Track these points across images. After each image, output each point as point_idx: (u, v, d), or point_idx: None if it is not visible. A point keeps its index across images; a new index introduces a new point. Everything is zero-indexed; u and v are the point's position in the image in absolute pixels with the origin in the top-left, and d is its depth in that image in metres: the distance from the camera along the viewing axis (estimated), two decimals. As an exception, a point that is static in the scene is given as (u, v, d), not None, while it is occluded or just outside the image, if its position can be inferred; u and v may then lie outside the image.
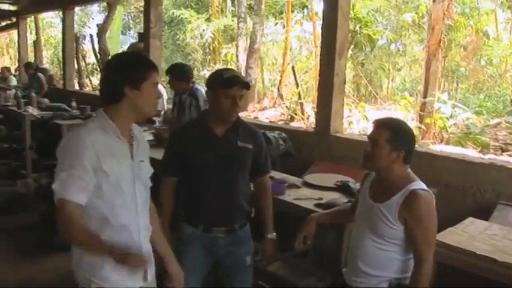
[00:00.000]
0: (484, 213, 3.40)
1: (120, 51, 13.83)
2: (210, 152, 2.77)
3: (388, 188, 2.36)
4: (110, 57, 2.34)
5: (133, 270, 2.03)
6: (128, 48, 9.69)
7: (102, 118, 2.11)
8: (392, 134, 2.31)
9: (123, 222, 2.12)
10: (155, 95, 2.20)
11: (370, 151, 2.36)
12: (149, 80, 2.11)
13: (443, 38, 9.73)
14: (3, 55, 25.25)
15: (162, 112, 6.22)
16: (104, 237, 2.03)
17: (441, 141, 8.10)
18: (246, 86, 2.75)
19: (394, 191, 2.32)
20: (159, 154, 3.06)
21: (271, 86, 16.36)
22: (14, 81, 11.83)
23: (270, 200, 3.04)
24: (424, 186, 2.33)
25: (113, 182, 2.06)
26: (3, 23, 15.87)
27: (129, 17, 22.13)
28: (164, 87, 6.78)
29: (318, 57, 5.13)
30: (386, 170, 2.37)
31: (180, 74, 5.20)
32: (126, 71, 2.10)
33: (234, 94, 2.69)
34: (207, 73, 15.30)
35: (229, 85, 2.69)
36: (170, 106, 6.10)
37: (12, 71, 15.05)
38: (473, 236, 2.75)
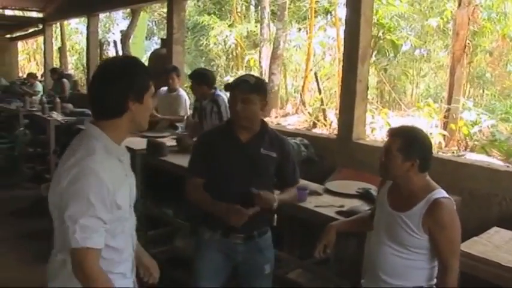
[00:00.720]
0: (509, 222, 3.32)
1: (145, 57, 13.96)
2: (232, 158, 2.79)
3: (409, 197, 2.32)
4: (102, 63, 2.01)
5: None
6: (151, 54, 9.74)
7: (102, 139, 1.87)
8: (404, 143, 2.28)
9: (124, 245, 2.01)
10: (152, 107, 2.04)
11: (384, 160, 2.34)
12: (149, 91, 1.93)
13: (469, 43, 9.61)
14: (30, 61, 25.66)
15: (185, 117, 6.24)
16: (105, 264, 1.88)
17: (465, 149, 7.97)
18: (248, 89, 2.72)
19: (416, 201, 2.28)
20: (180, 160, 3.08)
21: (294, 92, 16.33)
22: (39, 87, 11.99)
23: (292, 199, 3.04)
24: (445, 193, 2.29)
25: (121, 212, 1.91)
26: (30, 30, 16.12)
27: (153, 23, 22.33)
28: (187, 92, 6.80)
29: (341, 64, 5.09)
30: (404, 179, 2.33)
31: (200, 78, 5.24)
32: (131, 82, 1.87)
33: (235, 95, 2.72)
34: (230, 79, 15.33)
35: (232, 87, 2.78)
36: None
37: (39, 76, 15.29)
38: (499, 246, 2.69)
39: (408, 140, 2.30)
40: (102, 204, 1.77)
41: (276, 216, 3.06)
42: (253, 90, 2.73)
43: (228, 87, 2.90)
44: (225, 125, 3.03)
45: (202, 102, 5.28)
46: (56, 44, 17.72)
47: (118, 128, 1.90)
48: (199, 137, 3.14)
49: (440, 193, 2.27)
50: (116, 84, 1.85)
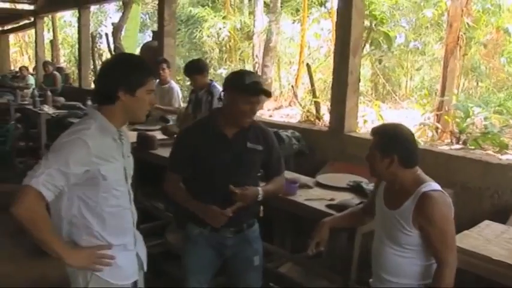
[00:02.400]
0: (501, 216, 3.31)
1: (138, 50, 13.87)
2: (219, 152, 2.74)
3: (399, 193, 2.30)
4: (108, 59, 2.37)
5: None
6: (142, 47, 9.68)
7: (99, 119, 2.13)
8: (380, 140, 2.30)
9: (118, 219, 2.21)
10: (149, 101, 2.20)
11: (367, 159, 2.35)
12: (145, 87, 2.14)
13: (462, 35, 9.59)
14: (22, 54, 25.53)
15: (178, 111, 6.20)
16: (104, 234, 2.16)
17: (458, 141, 7.95)
18: (268, 94, 2.72)
19: (405, 197, 2.26)
20: (166, 152, 3.06)
21: (288, 85, 16.29)
22: (31, 80, 11.92)
23: (278, 189, 2.96)
24: (436, 186, 2.25)
25: (109, 184, 2.11)
26: (22, 22, 16.01)
27: (147, 16, 22.22)
28: (179, 85, 6.78)
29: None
30: (389, 176, 2.32)
31: (190, 70, 5.29)
32: (123, 76, 2.11)
33: (253, 101, 2.65)
34: (223, 72, 15.31)
35: (250, 92, 2.63)
36: (184, 104, 6.09)
37: (30, 70, 15.18)
38: (489, 239, 2.67)
39: (384, 138, 2.30)
40: (78, 166, 2.00)
41: (262, 207, 3.01)
42: (268, 94, 2.73)
43: (237, 88, 2.67)
44: (208, 119, 2.93)
45: (198, 94, 5.27)
46: (48, 37, 17.60)
47: (113, 113, 2.14)
48: (182, 130, 3.09)
49: (430, 186, 2.23)
50: (110, 75, 2.14)
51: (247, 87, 2.62)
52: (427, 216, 2.19)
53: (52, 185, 1.96)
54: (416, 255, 2.29)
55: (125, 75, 2.10)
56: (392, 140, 2.30)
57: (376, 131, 2.36)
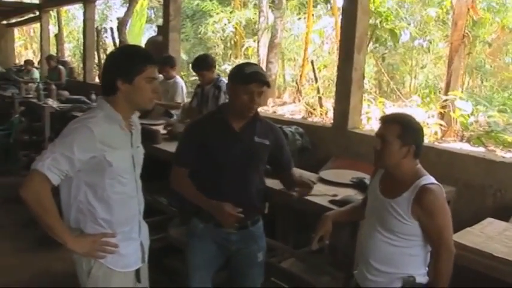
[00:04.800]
0: (504, 213, 3.31)
1: (143, 44, 13.87)
2: (228, 146, 2.75)
3: (399, 183, 2.31)
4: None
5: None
6: (147, 42, 9.67)
7: (106, 108, 2.22)
8: (402, 128, 2.27)
9: (124, 206, 2.28)
10: (151, 89, 2.24)
11: (380, 149, 2.32)
12: (143, 74, 2.19)
13: (467, 34, 9.55)
14: (27, 49, 25.53)
15: (182, 105, 6.21)
16: (109, 222, 2.24)
17: (462, 139, 7.95)
18: (266, 83, 2.71)
19: (405, 187, 2.27)
20: (174, 148, 3.06)
21: (292, 81, 16.27)
22: (36, 74, 11.92)
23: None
24: (433, 180, 2.28)
25: (115, 170, 2.19)
26: (27, 16, 16.01)
27: (152, 11, 22.19)
28: (184, 80, 6.78)
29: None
30: (397, 166, 2.32)
31: (197, 66, 5.35)
32: (119, 65, 2.20)
33: (253, 90, 2.65)
34: (228, 67, 15.28)
35: (249, 81, 2.64)
36: (189, 99, 6.11)
37: (36, 64, 15.20)
38: (491, 237, 2.68)
39: (406, 126, 2.29)
40: (83, 151, 2.08)
41: (267, 204, 3.02)
42: (267, 83, 2.72)
43: (237, 78, 2.72)
44: (215, 112, 2.95)
45: (204, 88, 5.28)
46: (53, 31, 17.61)
47: (117, 103, 2.22)
48: (189, 124, 3.10)
49: (428, 179, 2.27)
50: (109, 68, 2.25)
51: (246, 76, 2.65)
52: (427, 209, 2.21)
53: (57, 168, 2.04)
54: (410, 245, 2.30)
55: (121, 66, 2.19)
56: (414, 129, 2.31)
57: (393, 120, 2.34)
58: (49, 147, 2.09)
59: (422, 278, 2.34)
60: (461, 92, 8.85)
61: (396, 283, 2.32)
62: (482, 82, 16.67)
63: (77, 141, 2.07)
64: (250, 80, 2.64)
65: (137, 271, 2.40)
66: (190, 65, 5.45)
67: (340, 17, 5.08)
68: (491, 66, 16.15)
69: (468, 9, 9.14)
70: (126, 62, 2.19)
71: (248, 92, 2.65)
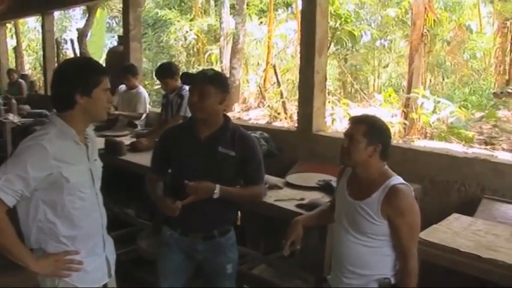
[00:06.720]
0: (469, 208, 3.36)
1: (104, 55, 13.70)
2: (189, 155, 2.74)
3: (367, 185, 2.32)
4: (59, 65, 2.48)
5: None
6: (108, 52, 9.56)
7: (59, 124, 2.16)
8: (369, 128, 2.30)
9: (86, 221, 2.22)
10: (107, 99, 2.23)
11: (346, 146, 2.34)
12: (100, 86, 2.16)
13: (426, 32, 9.73)
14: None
15: (144, 116, 6.16)
16: (72, 239, 2.18)
17: (425, 137, 8.08)
18: (202, 78, 2.69)
19: (374, 188, 2.28)
20: (139, 159, 3.04)
21: (257, 86, 16.31)
22: (-5, 89, 11.67)
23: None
24: (402, 180, 2.29)
25: (73, 186, 2.14)
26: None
27: (114, 21, 21.97)
28: (147, 90, 6.73)
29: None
30: (364, 166, 2.33)
31: (161, 73, 5.30)
32: (77, 79, 2.14)
33: (193, 87, 2.71)
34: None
35: (189, 79, 2.80)
36: (152, 109, 6.06)
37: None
38: (457, 232, 2.71)
39: (372, 126, 2.32)
40: (37, 170, 2.02)
41: (240, 215, 3.00)
42: (209, 82, 2.65)
43: (185, 79, 2.88)
44: (188, 121, 2.95)
45: (169, 97, 5.26)
46: (11, 44, 17.26)
47: (74, 118, 2.16)
48: (162, 133, 3.08)
49: (397, 179, 2.28)
50: (64, 83, 2.16)
51: (188, 76, 2.80)
52: (397, 209, 2.22)
53: (11, 189, 1.98)
54: (383, 245, 2.31)
55: (79, 79, 2.13)
56: (381, 129, 2.34)
57: (362, 120, 2.37)
58: (1, 168, 2.02)
59: (393, 279, 2.34)
60: (424, 89, 8.97)
61: (372, 285, 2.33)
62: (443, 79, 17.03)
63: (30, 160, 2.02)
64: (190, 78, 2.80)
65: (104, 286, 2.36)
66: (154, 74, 5.42)
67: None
68: (451, 64, 16.50)
69: (425, 8, 9.30)
70: (83, 75, 2.14)
71: (189, 90, 2.74)
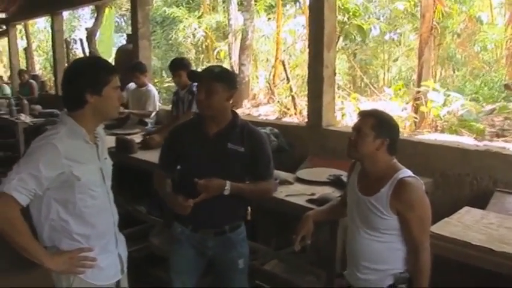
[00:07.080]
0: (481, 201, 3.34)
1: (113, 53, 13.75)
2: (198, 152, 2.74)
3: (376, 180, 2.32)
4: (69, 64, 2.45)
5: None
6: (117, 50, 9.61)
7: (69, 123, 2.17)
8: (376, 121, 2.31)
9: (97, 219, 2.25)
10: (117, 98, 2.25)
11: (354, 139, 2.35)
12: (110, 84, 2.19)
13: (436, 25, 9.66)
14: (-4, 63, 25.14)
15: (154, 113, 6.18)
16: (85, 236, 2.21)
17: (436, 130, 8.03)
18: (209, 75, 2.69)
19: (382, 183, 2.28)
20: (150, 156, 3.04)
21: (266, 82, 16.29)
22: (7, 90, 11.74)
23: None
24: (410, 173, 2.29)
25: (84, 185, 2.16)
26: (-6, 31, 15.76)
27: (123, 19, 22.04)
28: (157, 87, 6.75)
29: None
30: (371, 159, 2.34)
31: (175, 67, 5.30)
32: (87, 78, 2.16)
33: (200, 84, 2.70)
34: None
35: (196, 76, 2.84)
36: (162, 106, 6.08)
37: (5, 78, 14.97)
38: (469, 225, 2.70)
39: (380, 119, 2.33)
40: (49, 169, 2.04)
41: (250, 210, 3.00)
42: (216, 79, 2.65)
43: (192, 76, 2.91)
44: (196, 118, 2.95)
45: (180, 94, 5.27)
46: (22, 45, 17.37)
47: (85, 117, 2.18)
48: (170, 132, 3.09)
49: (406, 173, 2.28)
50: (74, 82, 2.18)
51: (196, 74, 2.83)
52: (405, 202, 2.22)
53: (24, 189, 2.00)
54: (395, 239, 2.31)
55: (89, 78, 2.15)
56: (389, 123, 2.35)
57: (370, 113, 2.39)
58: (14, 168, 2.04)
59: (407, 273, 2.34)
60: (434, 82, 8.91)
61: (388, 280, 2.33)
62: (454, 72, 16.88)
63: (43, 159, 2.04)
64: (197, 75, 2.83)
65: (117, 283, 2.39)
66: (163, 72, 5.45)
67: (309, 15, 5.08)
68: (461, 56, 16.37)
69: (434, 0, 9.23)
70: (93, 74, 2.16)
71: (197, 87, 2.75)
